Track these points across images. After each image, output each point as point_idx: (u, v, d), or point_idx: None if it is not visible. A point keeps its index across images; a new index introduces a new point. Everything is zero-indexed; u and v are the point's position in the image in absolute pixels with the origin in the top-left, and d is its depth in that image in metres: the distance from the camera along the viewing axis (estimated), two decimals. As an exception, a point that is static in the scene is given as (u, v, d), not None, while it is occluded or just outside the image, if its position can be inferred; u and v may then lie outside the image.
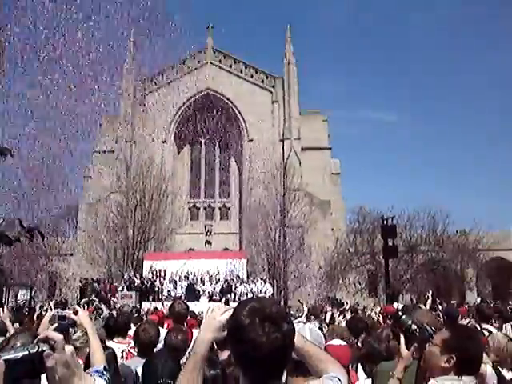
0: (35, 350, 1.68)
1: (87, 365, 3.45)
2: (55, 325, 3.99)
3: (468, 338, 3.41)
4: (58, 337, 1.87)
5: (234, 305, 2.61)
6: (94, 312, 15.64)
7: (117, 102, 50.92)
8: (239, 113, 59.81)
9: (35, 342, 1.82)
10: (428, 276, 48.86)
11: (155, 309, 12.99)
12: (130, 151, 57.73)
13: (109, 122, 55.15)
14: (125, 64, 55.28)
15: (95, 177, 54.77)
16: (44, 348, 1.71)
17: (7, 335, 7.07)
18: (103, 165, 54.13)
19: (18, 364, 1.65)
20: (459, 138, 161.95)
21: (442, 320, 8.98)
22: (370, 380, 4.86)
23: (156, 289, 35.75)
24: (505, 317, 9.03)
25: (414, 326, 3.77)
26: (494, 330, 5.79)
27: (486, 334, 6.52)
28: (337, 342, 5.19)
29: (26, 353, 1.69)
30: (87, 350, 4.17)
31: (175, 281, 35.96)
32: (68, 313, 3.95)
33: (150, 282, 36.45)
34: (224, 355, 4.18)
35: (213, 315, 2.54)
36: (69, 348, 1.85)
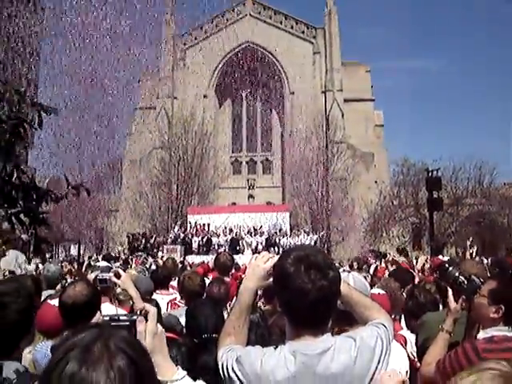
0: (134, 317, 1.83)
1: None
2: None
3: None
4: (152, 309, 1.99)
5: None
6: (142, 264, 15.99)
7: (158, 58, 51.12)
8: (280, 65, 59.11)
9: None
10: (474, 229, 48.16)
11: (202, 262, 13.21)
12: (172, 107, 57.93)
13: (150, 79, 55.41)
14: (164, 19, 55.21)
15: (138, 133, 55.33)
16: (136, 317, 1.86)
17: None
18: (145, 121, 54.63)
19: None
20: (508, 86, 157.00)
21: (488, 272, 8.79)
22: (414, 335, 4.75)
23: (200, 243, 36.21)
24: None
25: (461, 278, 3.64)
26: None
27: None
28: (376, 290, 5.13)
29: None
30: (130, 303, 4.21)
31: (219, 234, 36.34)
32: (109, 276, 4.01)
33: (194, 236, 36.94)
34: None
35: (256, 263, 2.56)
36: (160, 328, 1.98)
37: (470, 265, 4.74)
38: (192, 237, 36.90)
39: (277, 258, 2.50)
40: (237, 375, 2.21)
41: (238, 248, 32.85)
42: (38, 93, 31.69)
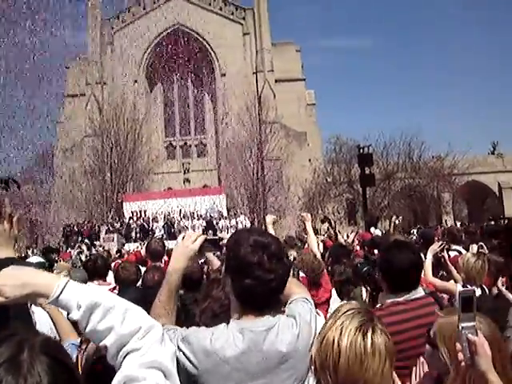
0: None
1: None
2: None
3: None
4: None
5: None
6: (78, 254, 15.75)
7: (84, 44, 49.89)
8: (210, 47, 58.56)
9: None
10: (405, 202, 49.65)
11: (138, 251, 13.17)
12: (102, 93, 56.66)
13: (77, 65, 53.97)
14: (89, 2, 53.69)
15: (68, 121, 53.89)
16: None
17: None
18: (75, 109, 53.27)
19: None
20: (433, 60, 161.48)
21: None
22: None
23: (137, 230, 35.83)
24: (472, 238, 9.28)
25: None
26: (463, 251, 5.97)
27: (455, 254, 6.76)
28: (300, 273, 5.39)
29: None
30: None
31: (154, 220, 36.04)
32: None
33: (129, 224, 36.52)
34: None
35: (185, 243, 2.57)
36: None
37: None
38: (129, 224, 36.50)
39: (202, 238, 2.58)
40: (184, 354, 2.22)
41: (173, 232, 32.62)
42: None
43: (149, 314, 2.54)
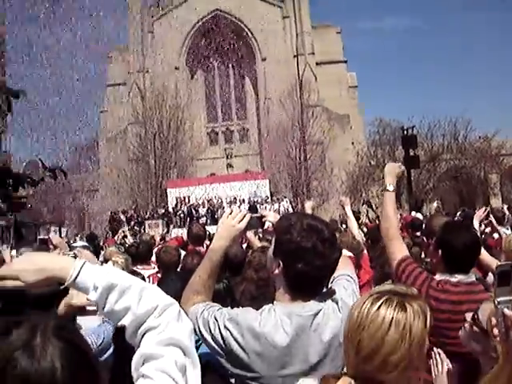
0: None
1: None
2: None
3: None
4: None
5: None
6: (122, 240, 15.97)
7: (124, 33, 50.35)
8: (250, 32, 58.35)
9: None
10: (451, 184, 48.74)
11: (181, 236, 13.30)
12: (143, 81, 57.21)
13: (119, 55, 54.62)
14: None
15: (111, 110, 54.69)
16: None
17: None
18: (118, 97, 53.98)
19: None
20: (480, 44, 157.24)
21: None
22: None
23: (182, 215, 36.22)
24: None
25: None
26: (507, 232, 5.85)
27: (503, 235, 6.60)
28: (344, 252, 5.34)
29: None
30: None
31: (198, 206, 36.34)
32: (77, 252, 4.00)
33: (174, 210, 36.97)
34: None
35: (230, 222, 2.57)
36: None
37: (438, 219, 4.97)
38: (173, 211, 36.93)
39: (247, 217, 2.58)
40: (232, 334, 2.24)
41: (216, 217, 32.84)
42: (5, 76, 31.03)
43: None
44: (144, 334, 1.60)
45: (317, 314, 2.27)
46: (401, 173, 3.75)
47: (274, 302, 2.36)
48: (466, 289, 3.33)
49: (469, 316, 1.77)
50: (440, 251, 3.47)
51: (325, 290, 2.45)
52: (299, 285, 2.32)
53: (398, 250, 3.50)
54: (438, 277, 3.45)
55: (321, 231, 2.32)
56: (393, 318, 1.78)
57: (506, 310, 1.68)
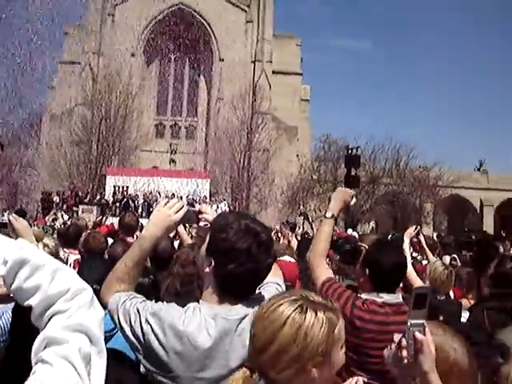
0: None
1: None
2: None
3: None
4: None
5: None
6: (52, 221, 15.64)
7: (84, 11, 49.29)
8: (211, 30, 58.09)
9: None
10: (387, 207, 49.87)
11: (112, 224, 13.06)
12: (97, 63, 56.02)
13: (75, 32, 53.36)
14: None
15: (60, 88, 53.35)
16: None
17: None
18: (69, 76, 52.72)
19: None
20: (430, 71, 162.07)
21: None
22: None
23: (118, 204, 35.70)
24: (446, 249, 9.35)
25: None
26: (433, 259, 6.02)
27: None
28: (287, 258, 5.38)
29: None
30: None
31: (135, 197, 35.90)
32: (9, 218, 3.85)
33: (112, 198, 36.41)
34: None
35: (167, 211, 2.47)
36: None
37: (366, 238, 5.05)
38: (110, 198, 36.36)
39: (185, 208, 2.49)
40: (152, 329, 2.17)
41: (151, 211, 32.48)
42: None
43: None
44: (51, 316, 1.50)
45: (243, 318, 2.22)
46: (349, 201, 3.66)
47: (200, 301, 2.31)
48: (392, 309, 3.35)
49: (397, 337, 1.78)
50: (367, 270, 3.50)
51: (253, 295, 2.39)
52: (229, 286, 2.26)
53: (323, 273, 3.50)
54: (364, 296, 3.48)
55: (258, 234, 2.26)
56: (289, 316, 1.79)
57: (417, 334, 1.70)
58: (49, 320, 1.49)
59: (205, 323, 2.17)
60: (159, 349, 2.16)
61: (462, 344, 1.92)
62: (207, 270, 2.30)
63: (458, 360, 1.85)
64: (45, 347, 1.44)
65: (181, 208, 2.49)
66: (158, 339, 2.16)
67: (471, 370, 1.88)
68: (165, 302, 2.38)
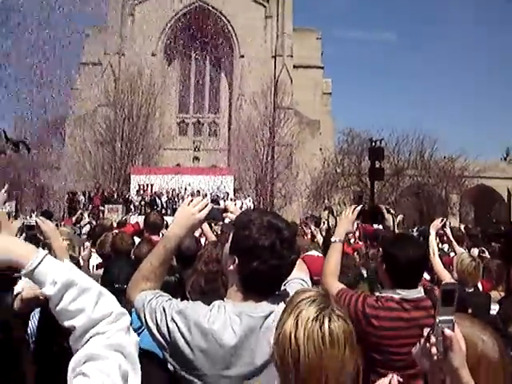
0: None
1: None
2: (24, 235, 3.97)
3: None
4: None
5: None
6: (76, 221, 15.75)
7: (104, 13, 49.63)
8: (231, 27, 58.11)
9: None
10: (412, 199, 49.45)
11: (137, 222, 13.15)
12: (119, 64, 56.44)
13: (97, 33, 53.79)
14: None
15: (83, 89, 53.81)
16: None
17: None
18: (91, 77, 53.13)
19: None
20: (456, 63, 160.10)
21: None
22: None
23: (143, 203, 35.94)
24: (474, 241, 9.24)
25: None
26: (460, 251, 5.94)
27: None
28: (314, 252, 5.34)
29: None
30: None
31: (159, 195, 36.10)
32: (35, 220, 3.88)
33: (137, 196, 36.66)
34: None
35: (190, 210, 2.48)
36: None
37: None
38: (136, 197, 36.63)
39: (209, 207, 2.50)
40: (178, 327, 2.18)
41: (176, 208, 32.61)
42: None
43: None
44: (90, 337, 1.57)
45: (268, 315, 2.21)
46: (351, 220, 3.77)
47: (225, 299, 2.31)
48: (411, 305, 3.30)
49: (426, 331, 1.76)
50: (384, 265, 3.46)
51: (278, 292, 2.38)
52: (253, 283, 2.26)
53: (334, 287, 3.49)
54: (377, 293, 3.45)
55: (281, 230, 2.26)
56: (331, 332, 1.78)
57: (446, 330, 1.68)
58: (87, 341, 1.57)
59: (230, 321, 2.17)
60: (185, 347, 2.16)
61: (492, 336, 1.86)
62: (231, 267, 2.30)
63: (487, 352, 1.79)
64: (85, 362, 1.51)
65: (205, 206, 2.50)
66: (183, 337, 2.17)
67: (502, 362, 1.82)
68: (190, 301, 2.41)
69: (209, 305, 2.27)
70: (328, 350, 1.76)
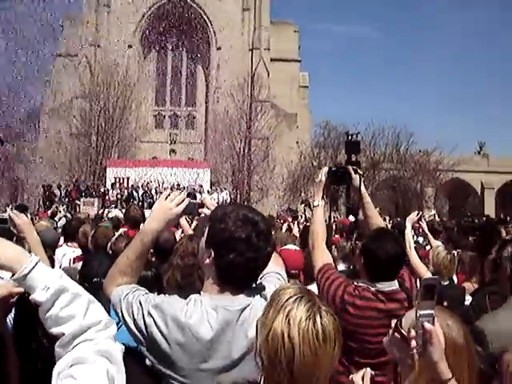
0: None
1: None
2: None
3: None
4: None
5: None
6: (52, 215, 15.60)
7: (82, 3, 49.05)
8: (208, 19, 57.77)
9: None
10: (388, 193, 49.86)
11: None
12: (94, 55, 55.80)
13: (72, 24, 53.03)
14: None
15: (57, 81, 53.10)
16: None
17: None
18: (66, 69, 52.48)
19: None
20: (432, 55, 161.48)
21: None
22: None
23: (119, 196, 35.67)
24: (449, 234, 9.35)
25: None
26: (436, 243, 6.04)
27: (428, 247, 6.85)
28: (291, 246, 5.38)
29: None
30: None
31: (135, 188, 35.88)
32: (9, 214, 3.82)
33: (112, 189, 36.39)
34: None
35: (167, 204, 2.47)
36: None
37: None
38: (110, 190, 36.35)
39: (186, 201, 2.49)
40: (155, 322, 2.18)
41: (152, 202, 32.45)
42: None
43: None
44: (79, 343, 1.59)
45: (244, 308, 2.22)
46: (322, 181, 3.83)
47: (202, 293, 2.31)
48: (386, 297, 3.37)
49: (393, 322, 1.80)
50: (362, 259, 3.51)
51: (254, 285, 2.39)
52: (229, 276, 2.26)
53: (321, 258, 3.54)
54: (358, 283, 3.49)
55: (256, 223, 2.26)
56: (323, 329, 1.79)
57: (426, 324, 1.70)
58: (74, 347, 1.59)
59: (206, 315, 2.18)
60: (162, 341, 2.16)
61: (457, 321, 1.91)
62: (207, 261, 2.30)
63: (453, 336, 1.84)
64: (71, 366, 1.53)
65: (182, 201, 2.49)
66: (160, 331, 2.17)
67: (467, 347, 1.87)
68: (167, 295, 2.39)
69: (185, 299, 2.27)
70: (322, 347, 1.77)
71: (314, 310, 1.81)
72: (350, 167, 3.96)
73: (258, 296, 2.33)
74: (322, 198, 3.79)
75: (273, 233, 7.82)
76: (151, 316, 2.19)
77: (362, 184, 3.90)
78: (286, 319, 1.79)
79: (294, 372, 1.75)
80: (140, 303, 2.25)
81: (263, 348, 1.81)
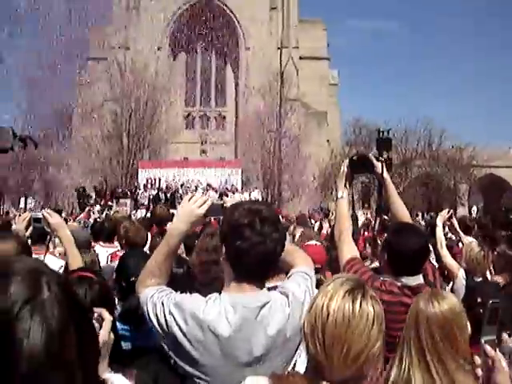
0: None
1: (66, 270, 3.43)
2: (31, 227, 4.00)
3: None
4: (108, 318, 2.00)
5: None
6: (87, 216, 15.84)
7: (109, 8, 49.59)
8: (236, 20, 57.92)
9: None
10: (421, 190, 49.34)
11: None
12: (124, 58, 56.34)
13: (102, 29, 53.70)
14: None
15: (89, 84, 53.80)
16: None
17: None
18: (97, 72, 53.13)
19: None
20: (467, 52, 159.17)
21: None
22: None
23: (151, 197, 35.96)
24: (484, 231, 9.16)
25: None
26: (469, 240, 5.92)
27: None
28: (313, 242, 5.35)
29: None
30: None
31: (168, 189, 36.11)
32: (43, 213, 3.89)
33: (145, 191, 36.70)
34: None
35: (190, 206, 2.51)
36: (112, 337, 2.05)
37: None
38: (142, 191, 36.66)
39: (208, 202, 2.52)
40: (175, 319, 2.23)
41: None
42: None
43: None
44: None
45: (263, 306, 2.25)
46: (346, 172, 3.83)
47: (222, 291, 2.34)
48: (411, 292, 3.30)
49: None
50: (386, 255, 3.47)
51: (279, 283, 2.43)
52: (240, 265, 2.29)
53: (348, 251, 3.51)
54: (382, 277, 3.46)
55: (260, 211, 2.31)
56: (361, 307, 1.83)
57: (486, 347, 1.67)
58: None
59: (224, 312, 2.21)
60: (183, 339, 2.21)
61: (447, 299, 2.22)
62: (223, 256, 2.36)
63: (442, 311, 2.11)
64: None
65: (205, 202, 2.52)
66: (180, 329, 2.22)
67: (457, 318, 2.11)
68: (188, 293, 2.43)
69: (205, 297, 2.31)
70: (356, 319, 1.81)
71: (358, 291, 1.86)
72: (371, 155, 3.93)
73: (279, 293, 2.36)
74: (345, 187, 3.78)
75: (301, 229, 7.82)
76: (172, 314, 2.25)
77: (385, 171, 3.86)
78: (328, 295, 1.86)
79: (326, 339, 1.81)
80: (162, 303, 2.31)
81: (306, 319, 1.89)
